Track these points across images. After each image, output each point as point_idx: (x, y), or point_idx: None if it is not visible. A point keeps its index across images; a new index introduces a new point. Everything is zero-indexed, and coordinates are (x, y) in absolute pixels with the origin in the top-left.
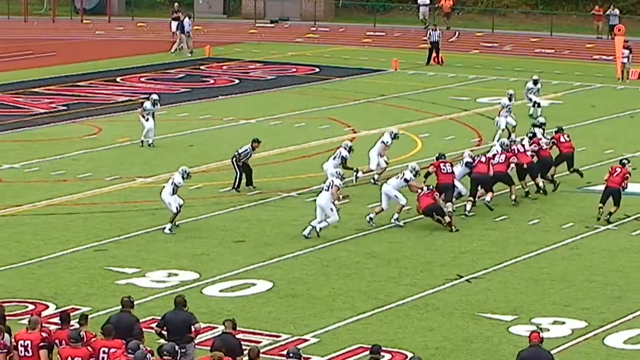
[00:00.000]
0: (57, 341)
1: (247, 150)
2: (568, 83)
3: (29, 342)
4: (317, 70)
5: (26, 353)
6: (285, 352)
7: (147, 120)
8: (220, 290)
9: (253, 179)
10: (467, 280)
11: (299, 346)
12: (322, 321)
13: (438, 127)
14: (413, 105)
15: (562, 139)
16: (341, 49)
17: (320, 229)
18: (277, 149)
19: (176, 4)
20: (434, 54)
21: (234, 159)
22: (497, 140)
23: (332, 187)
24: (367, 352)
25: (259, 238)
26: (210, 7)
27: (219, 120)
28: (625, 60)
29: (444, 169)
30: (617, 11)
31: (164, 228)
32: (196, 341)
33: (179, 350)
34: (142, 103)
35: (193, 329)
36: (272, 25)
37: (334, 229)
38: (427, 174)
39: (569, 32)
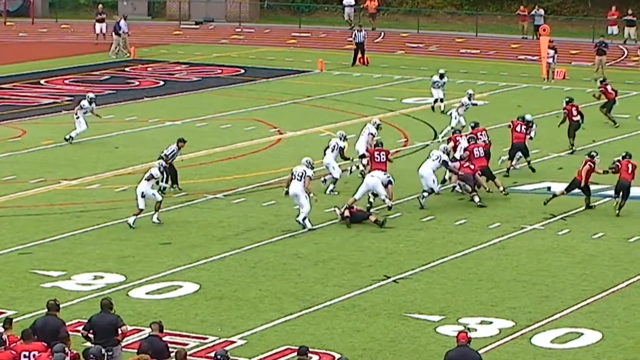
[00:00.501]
0: None
1: (173, 150)
2: (494, 83)
3: None
4: (243, 71)
5: None
6: (213, 355)
7: (80, 119)
8: (147, 293)
9: (179, 180)
10: (394, 281)
11: (226, 348)
12: (249, 323)
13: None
14: (339, 106)
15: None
16: (266, 50)
17: (303, 219)
18: (203, 150)
19: (100, 5)
20: (359, 55)
21: (161, 160)
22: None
23: (304, 177)
24: (295, 354)
25: (186, 240)
26: (135, 8)
27: (144, 122)
28: (551, 60)
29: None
30: (542, 11)
31: (152, 217)
32: (123, 344)
33: (106, 353)
34: (80, 101)
35: (120, 332)
36: (197, 26)
37: (260, 231)
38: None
39: (494, 32)
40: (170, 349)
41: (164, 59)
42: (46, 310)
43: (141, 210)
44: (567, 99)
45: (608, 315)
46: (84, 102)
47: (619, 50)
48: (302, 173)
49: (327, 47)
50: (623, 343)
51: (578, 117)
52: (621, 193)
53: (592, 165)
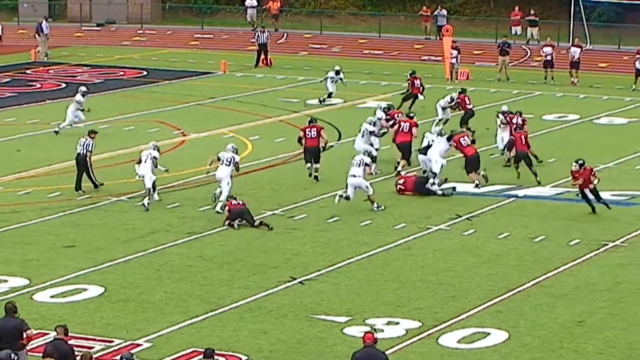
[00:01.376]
0: None
1: (91, 143)
2: (397, 84)
3: None
4: (145, 73)
5: None
6: (118, 358)
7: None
8: (52, 296)
9: (82, 184)
10: (301, 282)
11: (132, 351)
12: (155, 325)
13: (268, 129)
14: (243, 108)
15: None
16: (169, 52)
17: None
18: (106, 152)
19: None
20: (262, 56)
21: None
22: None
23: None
24: (201, 356)
25: (90, 243)
26: (36, 10)
27: (46, 125)
28: (454, 60)
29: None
30: (444, 12)
31: (143, 203)
32: (28, 348)
33: (13, 358)
34: (75, 95)
35: (25, 336)
36: (99, 28)
37: (165, 233)
38: None
39: (397, 33)
40: (76, 353)
41: (66, 61)
42: (5, 313)
43: (149, 189)
44: (460, 90)
45: (514, 314)
46: (78, 96)
47: (522, 50)
48: (231, 159)
49: (230, 49)
50: (529, 342)
51: (471, 106)
52: (522, 162)
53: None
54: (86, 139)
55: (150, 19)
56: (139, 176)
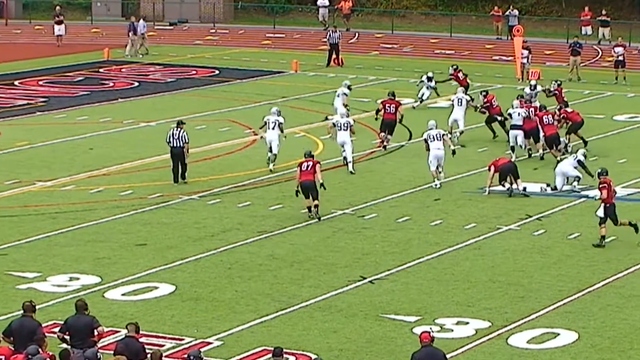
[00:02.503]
0: None
1: (185, 134)
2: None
3: (2, 357)
4: (217, 72)
5: None
6: (186, 356)
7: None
8: (123, 294)
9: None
10: (371, 282)
11: (202, 349)
12: (225, 324)
13: None
14: (314, 107)
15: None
16: (241, 51)
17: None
18: None
19: (58, 7)
20: (334, 56)
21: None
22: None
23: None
24: (270, 355)
25: (161, 241)
26: (109, 9)
27: (119, 123)
28: (525, 60)
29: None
30: (516, 12)
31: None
32: (99, 345)
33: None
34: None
35: (96, 333)
36: (171, 27)
37: (236, 232)
38: None
39: (468, 33)
40: (147, 350)
41: (138, 60)
42: (22, 311)
43: (275, 155)
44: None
45: (584, 315)
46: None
47: (593, 50)
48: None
49: (302, 48)
50: (599, 343)
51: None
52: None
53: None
54: (178, 131)
55: (223, 18)
56: (267, 142)
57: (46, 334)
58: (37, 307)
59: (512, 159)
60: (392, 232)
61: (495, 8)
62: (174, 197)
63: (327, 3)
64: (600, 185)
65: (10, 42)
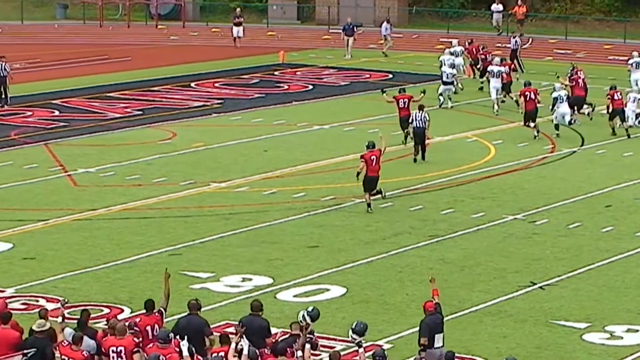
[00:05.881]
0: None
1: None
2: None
3: (122, 348)
4: (391, 76)
5: (119, 359)
6: (371, 354)
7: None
8: (294, 296)
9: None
10: (541, 287)
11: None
12: (395, 327)
13: (511, 133)
14: (486, 112)
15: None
16: (415, 55)
17: None
18: (351, 154)
19: (238, 9)
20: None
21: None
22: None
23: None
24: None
25: (333, 243)
26: (285, 12)
27: (293, 126)
28: None
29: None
30: None
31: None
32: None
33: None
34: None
35: (269, 341)
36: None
37: (407, 235)
38: None
39: None
40: (320, 352)
41: (313, 63)
42: (188, 310)
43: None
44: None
45: None
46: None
47: None
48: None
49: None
50: None
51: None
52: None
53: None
54: (420, 113)
55: (397, 23)
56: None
57: (215, 334)
58: (210, 307)
59: None
60: (562, 238)
61: None
62: (346, 199)
63: (502, 8)
64: None
65: (187, 44)
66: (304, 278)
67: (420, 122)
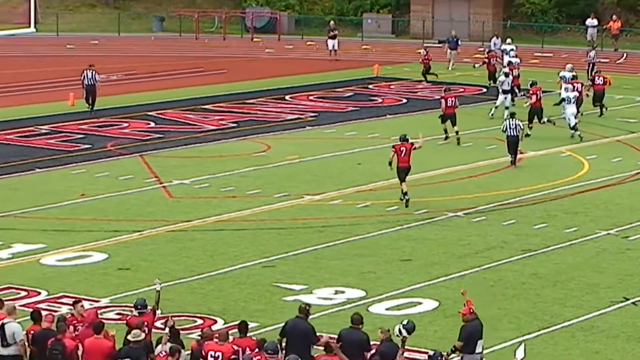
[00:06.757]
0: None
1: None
2: None
3: (220, 353)
4: (485, 90)
5: None
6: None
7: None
8: (387, 309)
9: None
10: (634, 303)
11: None
12: (487, 341)
13: (605, 148)
14: (582, 127)
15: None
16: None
17: None
18: (444, 168)
19: (332, 22)
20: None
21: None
22: None
23: None
24: None
25: (426, 257)
26: (379, 26)
27: (387, 139)
28: None
29: None
30: None
31: None
32: None
33: None
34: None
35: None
36: (440, 45)
37: (499, 249)
38: None
39: None
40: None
41: (407, 77)
42: (297, 313)
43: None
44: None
45: None
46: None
47: None
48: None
49: None
50: None
51: None
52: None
53: None
54: (513, 121)
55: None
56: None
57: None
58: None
59: None
60: None
61: None
62: (439, 213)
63: (596, 23)
64: None
65: (282, 57)
66: (396, 291)
67: (514, 130)
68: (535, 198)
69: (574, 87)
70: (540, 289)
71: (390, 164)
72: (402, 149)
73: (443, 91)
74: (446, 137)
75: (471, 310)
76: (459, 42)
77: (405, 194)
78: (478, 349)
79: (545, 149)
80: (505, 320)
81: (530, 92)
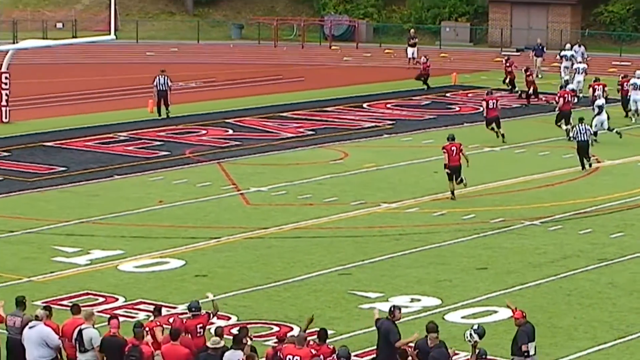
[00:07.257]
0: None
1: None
2: None
3: (298, 357)
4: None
5: None
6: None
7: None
8: (462, 317)
9: None
10: None
11: None
12: (563, 350)
13: None
14: None
15: None
16: (587, 78)
17: None
18: (521, 177)
19: (412, 30)
20: None
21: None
22: None
23: None
24: None
25: (502, 266)
26: (457, 34)
27: (464, 147)
28: None
29: None
30: None
31: None
32: None
33: None
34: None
35: None
36: (518, 53)
37: (576, 258)
38: None
39: None
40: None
41: (485, 85)
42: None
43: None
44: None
45: None
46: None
47: None
48: None
49: None
50: None
51: None
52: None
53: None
54: (583, 125)
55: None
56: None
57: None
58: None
59: None
60: None
61: None
62: (515, 222)
63: None
64: None
65: (360, 65)
66: (472, 300)
67: (584, 135)
68: (612, 207)
69: None
70: (617, 298)
71: (445, 166)
72: (452, 148)
73: (485, 94)
74: (503, 138)
75: (524, 315)
76: (545, 50)
77: (452, 192)
78: (531, 351)
79: (622, 158)
80: (581, 330)
81: (558, 95)
